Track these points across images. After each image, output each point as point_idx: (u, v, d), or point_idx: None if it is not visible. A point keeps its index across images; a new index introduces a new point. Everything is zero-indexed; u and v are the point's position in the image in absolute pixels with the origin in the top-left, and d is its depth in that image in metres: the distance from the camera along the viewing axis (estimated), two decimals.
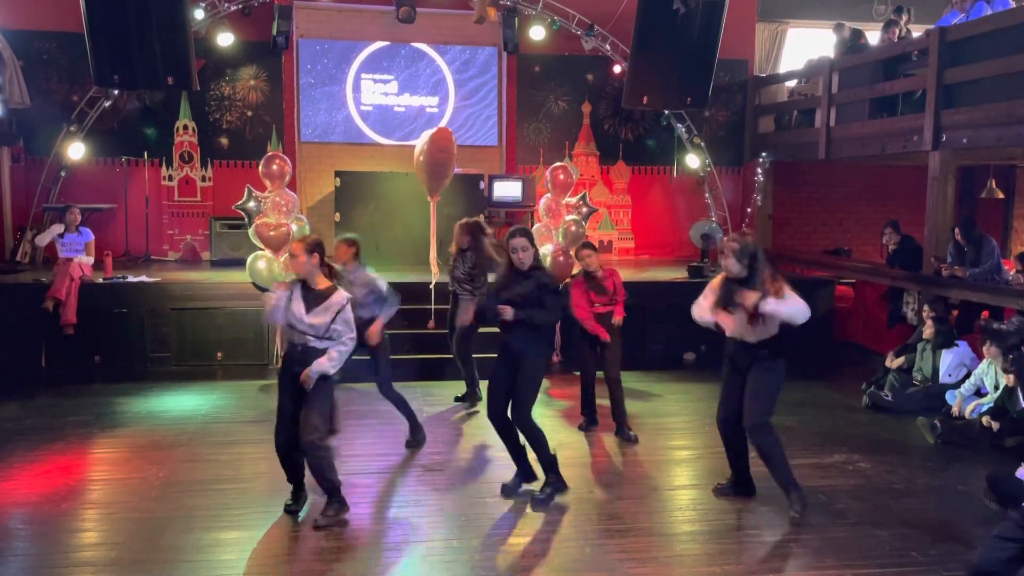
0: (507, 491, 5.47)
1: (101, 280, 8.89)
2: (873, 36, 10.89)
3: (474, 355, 7.57)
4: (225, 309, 8.92)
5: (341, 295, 4.95)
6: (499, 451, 6.41)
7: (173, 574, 4.39)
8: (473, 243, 7.38)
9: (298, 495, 5.18)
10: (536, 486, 5.46)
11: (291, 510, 5.12)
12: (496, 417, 5.34)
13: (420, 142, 9.36)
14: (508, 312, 5.12)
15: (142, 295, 8.82)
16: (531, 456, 5.44)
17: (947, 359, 7.61)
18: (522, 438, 5.38)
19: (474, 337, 7.46)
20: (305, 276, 4.93)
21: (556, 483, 5.40)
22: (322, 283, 4.95)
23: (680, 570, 4.53)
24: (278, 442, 5.02)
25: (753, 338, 5.11)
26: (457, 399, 7.70)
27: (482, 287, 7.32)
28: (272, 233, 8.40)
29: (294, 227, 8.57)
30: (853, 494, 5.62)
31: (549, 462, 5.37)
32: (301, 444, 4.89)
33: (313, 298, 4.90)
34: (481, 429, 6.97)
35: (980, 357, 7.25)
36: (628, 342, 9.07)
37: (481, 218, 7.72)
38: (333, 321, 4.86)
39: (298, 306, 4.88)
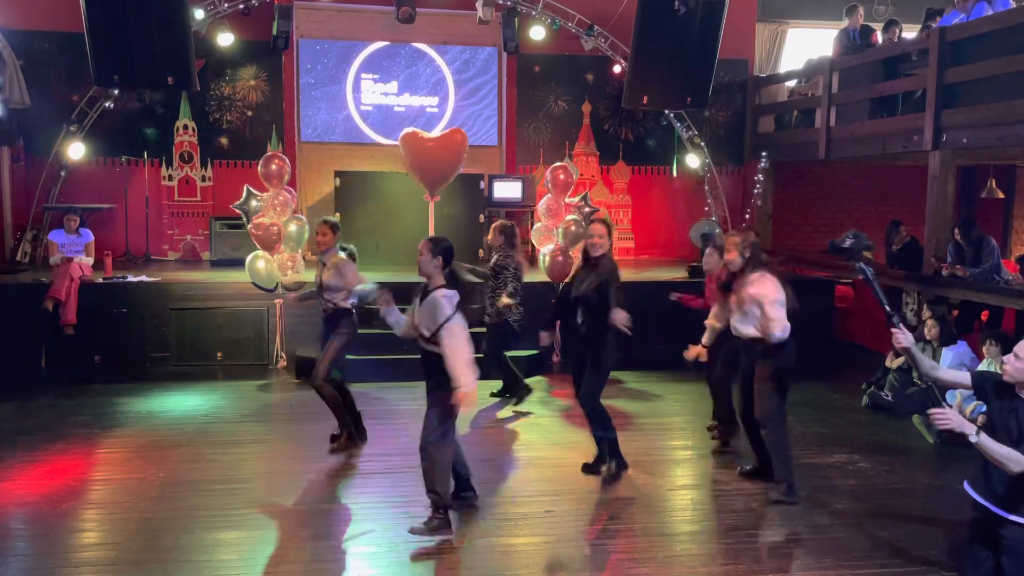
0: (587, 468, 5.91)
1: (101, 280, 8.89)
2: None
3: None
4: (225, 309, 8.92)
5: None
6: (498, 452, 6.42)
7: (173, 574, 4.39)
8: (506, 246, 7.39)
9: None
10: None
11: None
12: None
13: (419, 138, 9.40)
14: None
15: (142, 295, 8.82)
16: None
17: (947, 359, 7.60)
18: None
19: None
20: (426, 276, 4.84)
21: (618, 463, 5.86)
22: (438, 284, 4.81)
23: (680, 570, 4.53)
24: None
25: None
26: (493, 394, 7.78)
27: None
28: (263, 233, 8.41)
29: (292, 227, 8.58)
30: (853, 494, 5.62)
31: (611, 442, 5.79)
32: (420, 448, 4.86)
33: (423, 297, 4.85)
34: (482, 430, 6.98)
35: (980, 357, 7.25)
36: (628, 342, 9.09)
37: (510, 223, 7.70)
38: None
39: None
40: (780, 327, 5.19)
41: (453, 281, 4.81)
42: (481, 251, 9.56)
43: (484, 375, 7.83)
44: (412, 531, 4.81)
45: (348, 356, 6.37)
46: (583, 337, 5.68)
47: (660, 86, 10.78)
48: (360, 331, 8.52)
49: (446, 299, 4.70)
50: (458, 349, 4.61)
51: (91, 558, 4.56)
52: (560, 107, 12.04)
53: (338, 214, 10.55)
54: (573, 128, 12.09)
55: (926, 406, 7.28)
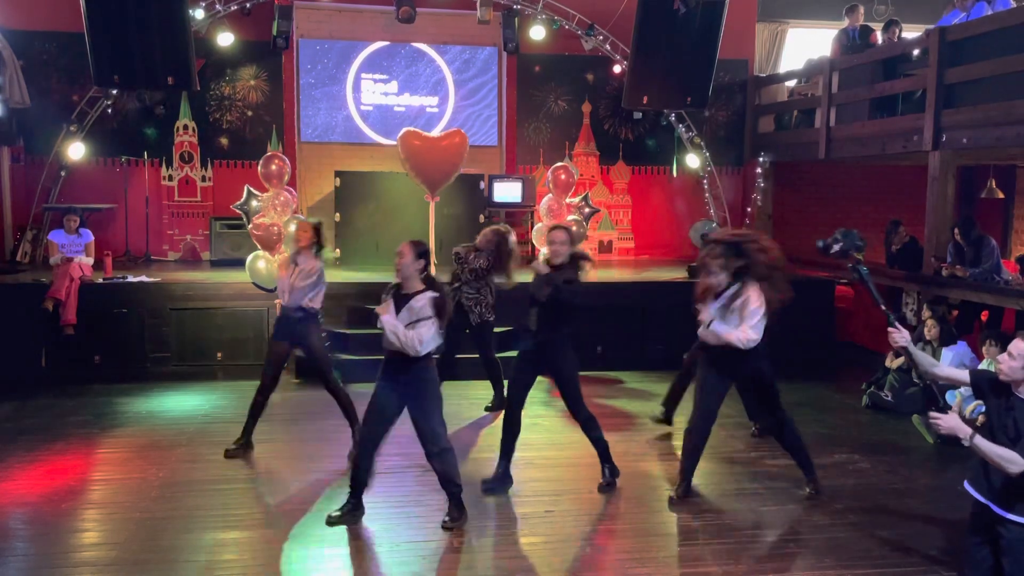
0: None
1: (101, 280, 8.88)
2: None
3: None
4: (225, 309, 8.91)
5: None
6: (498, 453, 6.41)
7: (173, 574, 4.39)
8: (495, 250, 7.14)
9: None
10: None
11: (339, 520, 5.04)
12: (512, 404, 5.63)
13: (418, 137, 9.41)
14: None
15: (142, 295, 8.81)
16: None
17: (947, 359, 7.60)
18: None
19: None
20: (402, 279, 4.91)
21: (612, 468, 5.71)
22: (416, 287, 4.90)
23: (680, 570, 4.54)
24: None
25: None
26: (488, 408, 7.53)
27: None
28: (263, 234, 8.41)
29: (292, 227, 8.58)
30: (853, 494, 5.63)
31: (604, 448, 5.67)
32: (426, 454, 4.96)
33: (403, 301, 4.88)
34: (479, 430, 6.98)
35: (980, 357, 7.26)
36: (628, 342, 9.11)
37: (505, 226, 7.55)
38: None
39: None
40: (736, 338, 5.25)
41: (431, 284, 4.90)
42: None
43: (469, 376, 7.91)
44: (444, 527, 4.93)
45: (348, 356, 6.41)
46: (537, 343, 5.48)
47: (660, 86, 10.78)
48: (358, 331, 8.57)
49: (431, 301, 4.81)
50: (421, 335, 4.72)
51: (91, 558, 4.56)
52: (560, 107, 12.04)
53: (338, 214, 10.56)
54: (573, 128, 12.08)
55: (926, 406, 7.31)
